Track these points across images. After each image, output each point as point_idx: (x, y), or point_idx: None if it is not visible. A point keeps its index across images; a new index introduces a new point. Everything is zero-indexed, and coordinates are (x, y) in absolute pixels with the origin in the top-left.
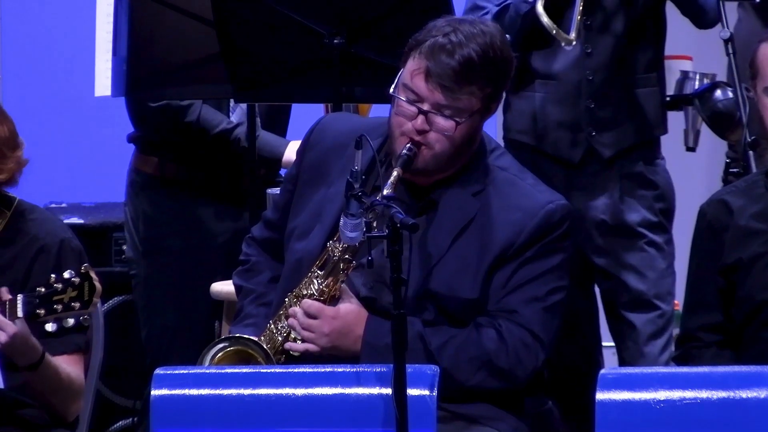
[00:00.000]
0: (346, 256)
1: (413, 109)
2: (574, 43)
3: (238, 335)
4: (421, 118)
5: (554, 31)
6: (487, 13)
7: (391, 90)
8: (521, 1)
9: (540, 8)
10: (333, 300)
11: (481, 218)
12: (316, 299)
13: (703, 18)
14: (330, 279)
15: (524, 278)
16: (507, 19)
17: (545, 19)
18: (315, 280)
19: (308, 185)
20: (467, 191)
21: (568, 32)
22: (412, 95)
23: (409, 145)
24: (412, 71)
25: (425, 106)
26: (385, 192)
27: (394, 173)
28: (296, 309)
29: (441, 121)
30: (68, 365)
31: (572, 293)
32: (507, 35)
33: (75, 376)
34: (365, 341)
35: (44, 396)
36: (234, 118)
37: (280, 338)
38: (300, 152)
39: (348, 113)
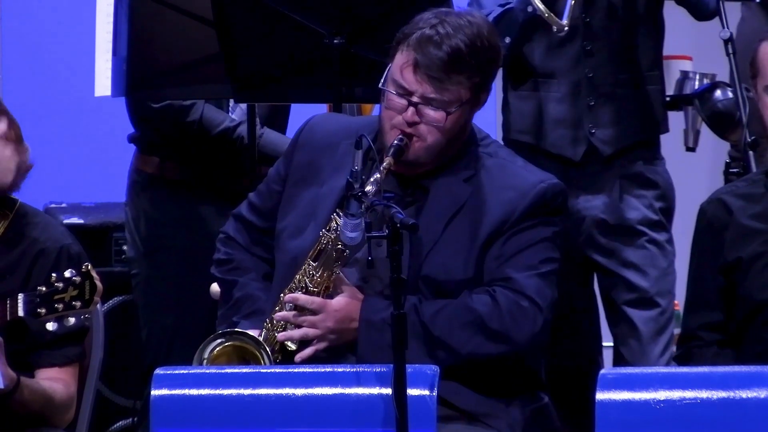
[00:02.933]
0: (339, 245)
1: (403, 101)
2: (566, 29)
3: (234, 330)
4: (411, 110)
5: (546, 15)
6: (489, 14)
7: (381, 84)
8: (521, 9)
9: None
10: (328, 291)
11: (473, 202)
12: (310, 291)
13: (702, 10)
14: (324, 269)
15: (517, 248)
16: (509, 21)
17: (538, 3)
18: (310, 272)
19: (298, 185)
20: (458, 177)
21: (561, 18)
22: (401, 88)
23: (400, 135)
24: (400, 64)
25: (414, 98)
26: (374, 177)
27: (385, 163)
28: (287, 314)
29: (431, 113)
30: (56, 378)
31: (572, 292)
32: (506, 38)
33: (60, 391)
34: (362, 318)
35: (28, 412)
36: (234, 117)
37: (276, 335)
38: (289, 153)
39: (337, 114)
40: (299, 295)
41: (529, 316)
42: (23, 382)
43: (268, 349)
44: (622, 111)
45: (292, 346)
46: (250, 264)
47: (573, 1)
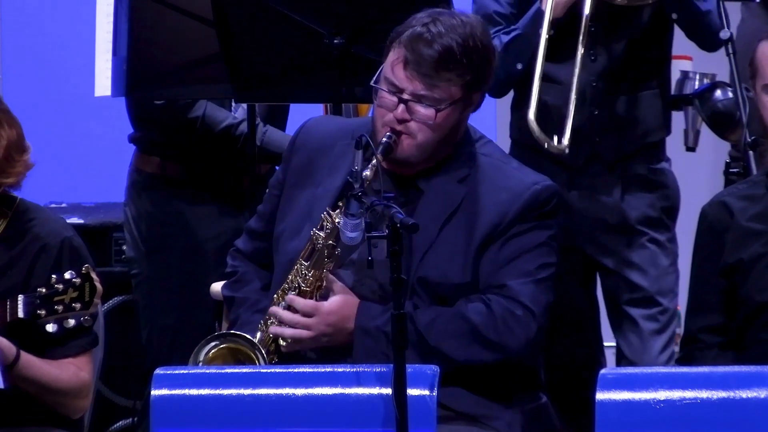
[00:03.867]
0: (330, 242)
1: (393, 99)
2: (566, 151)
3: (230, 332)
4: (401, 108)
5: (546, 145)
6: (497, 32)
7: (373, 82)
8: (532, 33)
9: (531, 117)
10: (320, 290)
11: (467, 203)
12: (304, 290)
13: (708, 39)
14: (316, 269)
15: (512, 254)
16: (517, 49)
17: (536, 131)
18: (302, 272)
19: (295, 188)
20: (452, 177)
21: (561, 136)
22: (392, 86)
23: (389, 133)
24: (392, 62)
25: (405, 95)
26: (365, 173)
27: (374, 160)
28: (280, 311)
29: (421, 110)
30: (67, 363)
31: (573, 292)
32: (518, 64)
33: (68, 375)
34: (357, 326)
35: (35, 390)
36: (237, 115)
37: (271, 336)
38: (286, 157)
39: (331, 116)
40: (295, 298)
41: (523, 324)
42: (23, 356)
43: (263, 350)
44: (626, 118)
45: (284, 343)
46: (252, 275)
47: (572, 122)
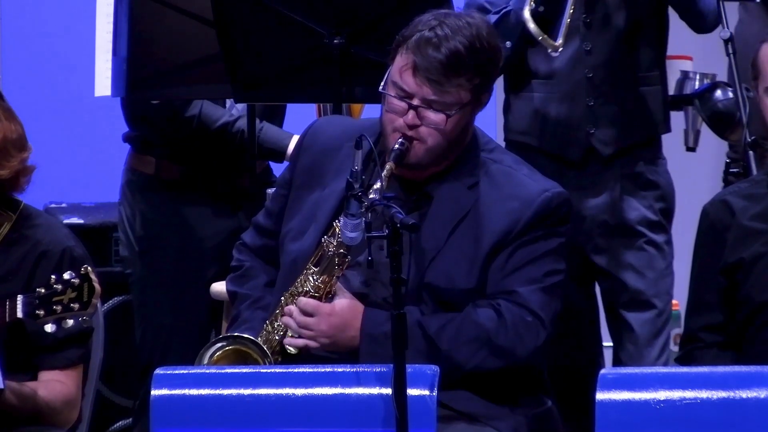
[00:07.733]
0: (341, 251)
1: (403, 104)
2: (560, 50)
3: (235, 334)
4: (411, 113)
5: (540, 38)
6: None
7: (381, 87)
8: (521, 8)
9: (527, 14)
10: (329, 296)
11: (477, 210)
12: (311, 296)
13: (701, 23)
14: (325, 275)
15: (521, 261)
16: (508, 25)
17: (531, 25)
18: (310, 277)
19: (302, 188)
20: (462, 184)
21: (555, 38)
22: (402, 91)
23: (401, 139)
24: (400, 67)
25: (415, 101)
26: (377, 186)
27: (387, 167)
28: (292, 308)
29: (431, 115)
30: (56, 381)
31: (573, 293)
32: (507, 42)
33: (57, 393)
34: (363, 333)
35: (19, 413)
36: (234, 113)
37: (276, 337)
38: (294, 156)
39: (340, 116)
40: (301, 298)
41: (533, 331)
42: (9, 385)
43: (268, 351)
44: (622, 111)
45: (293, 350)
46: (258, 270)
47: (568, 20)
